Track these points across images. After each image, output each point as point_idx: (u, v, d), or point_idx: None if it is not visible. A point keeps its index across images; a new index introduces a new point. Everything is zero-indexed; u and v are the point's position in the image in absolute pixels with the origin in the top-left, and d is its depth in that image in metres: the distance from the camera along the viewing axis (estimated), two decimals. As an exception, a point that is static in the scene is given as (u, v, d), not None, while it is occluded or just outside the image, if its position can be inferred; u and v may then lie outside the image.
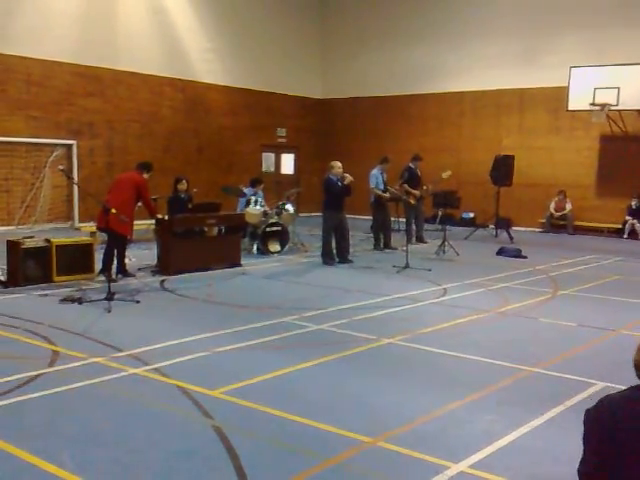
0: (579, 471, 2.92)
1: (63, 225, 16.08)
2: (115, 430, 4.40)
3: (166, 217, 10.52)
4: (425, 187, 14.89)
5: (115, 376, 5.45)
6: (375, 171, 13.89)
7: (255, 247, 12.72)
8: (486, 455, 4.10)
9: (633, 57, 16.63)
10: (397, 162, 14.99)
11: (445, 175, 14.81)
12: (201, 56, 19.27)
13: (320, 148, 22.65)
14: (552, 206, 18.24)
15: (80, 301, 8.10)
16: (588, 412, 2.92)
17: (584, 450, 2.91)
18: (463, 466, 3.93)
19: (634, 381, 2.65)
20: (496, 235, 16.43)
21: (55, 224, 15.93)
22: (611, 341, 7.03)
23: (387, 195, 13.63)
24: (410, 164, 14.86)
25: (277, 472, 3.87)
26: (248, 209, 12.65)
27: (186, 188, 11.42)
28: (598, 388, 5.22)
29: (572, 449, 3.88)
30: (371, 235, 14.44)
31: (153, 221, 10.73)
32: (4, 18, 15.20)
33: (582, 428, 2.75)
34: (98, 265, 9.69)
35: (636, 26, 17.04)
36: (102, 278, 9.18)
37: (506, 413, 4.81)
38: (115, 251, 9.63)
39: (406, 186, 14.50)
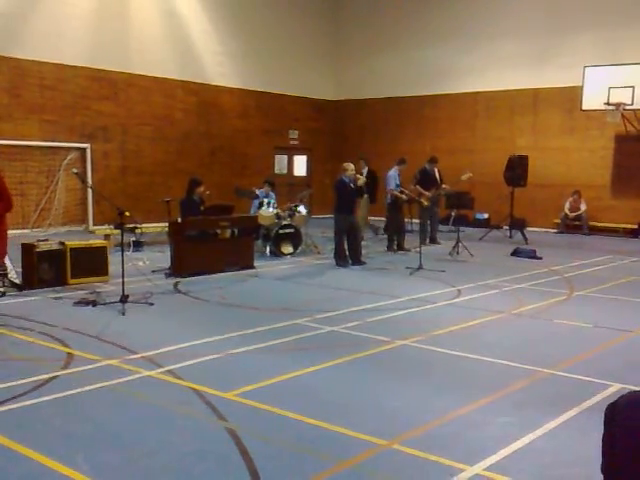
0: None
1: (77, 228, 16.18)
2: (129, 432, 4.41)
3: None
4: (444, 186, 14.84)
5: (129, 378, 5.46)
6: (392, 172, 13.86)
7: (268, 249, 12.72)
8: (501, 458, 4.07)
9: (648, 56, 16.53)
10: (410, 164, 14.93)
11: (465, 177, 14.74)
12: (214, 59, 19.32)
13: (332, 150, 22.65)
14: (567, 206, 18.12)
15: (94, 304, 8.13)
16: (607, 409, 2.84)
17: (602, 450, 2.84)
18: (478, 469, 3.91)
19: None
20: (510, 236, 16.33)
21: (69, 227, 16.04)
22: (627, 342, 6.96)
23: (404, 197, 13.58)
24: (426, 166, 14.82)
25: (291, 474, 3.86)
26: (261, 211, 12.67)
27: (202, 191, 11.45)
28: (614, 390, 5.17)
29: (587, 452, 3.85)
30: (384, 236, 14.40)
31: (166, 224, 10.68)
32: (18, 23, 15.32)
33: (597, 430, 2.72)
34: (112, 268, 9.70)
35: (651, 25, 16.94)
36: (117, 280, 9.18)
37: (521, 415, 4.78)
38: None
39: (419, 187, 14.46)
